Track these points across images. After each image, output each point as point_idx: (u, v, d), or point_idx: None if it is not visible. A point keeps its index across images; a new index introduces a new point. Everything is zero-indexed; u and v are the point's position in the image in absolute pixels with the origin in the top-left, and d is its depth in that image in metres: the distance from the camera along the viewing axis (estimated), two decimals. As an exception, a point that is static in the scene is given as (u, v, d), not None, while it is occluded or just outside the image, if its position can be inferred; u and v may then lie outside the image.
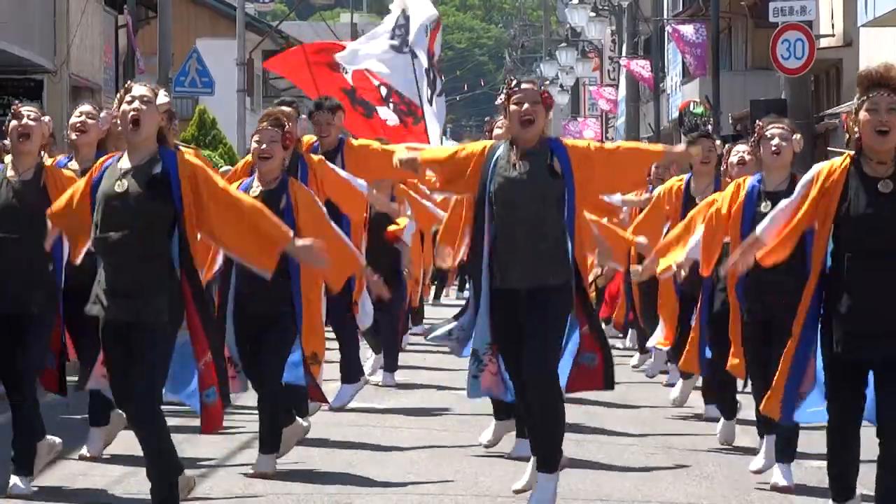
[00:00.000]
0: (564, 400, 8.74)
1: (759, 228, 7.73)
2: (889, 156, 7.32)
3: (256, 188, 9.72)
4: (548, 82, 66.14)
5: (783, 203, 7.63)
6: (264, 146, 9.78)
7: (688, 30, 35.13)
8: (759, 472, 9.98)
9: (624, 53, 45.85)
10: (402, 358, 15.66)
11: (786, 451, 9.42)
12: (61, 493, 9.10)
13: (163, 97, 8.20)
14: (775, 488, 9.41)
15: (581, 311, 8.88)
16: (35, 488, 8.93)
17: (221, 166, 24.04)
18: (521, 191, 8.62)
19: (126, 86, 8.27)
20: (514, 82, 8.87)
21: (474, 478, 9.70)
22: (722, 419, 11.05)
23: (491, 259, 8.72)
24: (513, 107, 8.68)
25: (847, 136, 7.62)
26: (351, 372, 12.67)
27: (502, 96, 8.90)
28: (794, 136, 9.55)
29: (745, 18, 35.91)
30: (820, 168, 7.45)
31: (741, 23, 37.29)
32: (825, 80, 30.48)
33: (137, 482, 8.77)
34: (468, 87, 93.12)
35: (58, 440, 9.36)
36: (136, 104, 8.00)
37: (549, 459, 8.57)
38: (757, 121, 9.91)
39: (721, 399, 11.10)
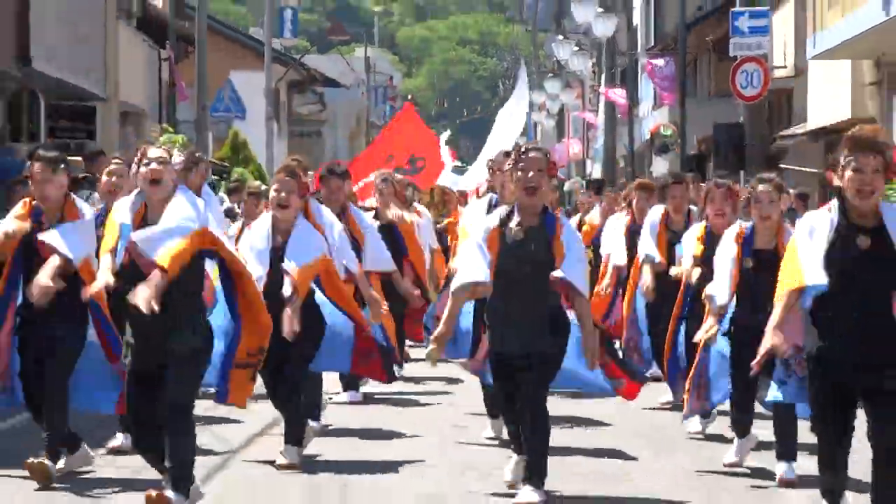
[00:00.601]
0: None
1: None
2: (870, 214, 6.86)
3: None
4: (537, 108, 66.33)
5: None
6: (283, 195, 9.46)
7: (659, 63, 35.32)
8: (732, 465, 9.59)
9: (603, 83, 45.96)
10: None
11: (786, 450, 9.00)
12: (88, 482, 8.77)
13: (177, 156, 8.12)
14: (782, 482, 8.93)
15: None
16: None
17: (247, 179, 24.26)
18: (520, 261, 8.24)
19: (142, 149, 7.89)
20: (523, 149, 8.30)
21: (486, 465, 9.41)
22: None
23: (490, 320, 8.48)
24: (518, 173, 8.20)
25: (826, 187, 7.24)
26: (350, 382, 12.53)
27: (511, 161, 8.33)
28: (783, 195, 9.17)
29: (709, 52, 36.08)
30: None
31: (705, 56, 37.45)
32: (778, 105, 30.61)
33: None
34: (466, 113, 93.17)
35: (90, 452, 9.08)
36: (154, 165, 7.72)
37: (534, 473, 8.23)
38: (750, 184, 9.32)
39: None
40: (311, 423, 9.91)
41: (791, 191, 16.87)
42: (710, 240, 10.16)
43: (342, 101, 53.31)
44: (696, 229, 10.64)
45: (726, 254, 9.15)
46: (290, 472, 9.16)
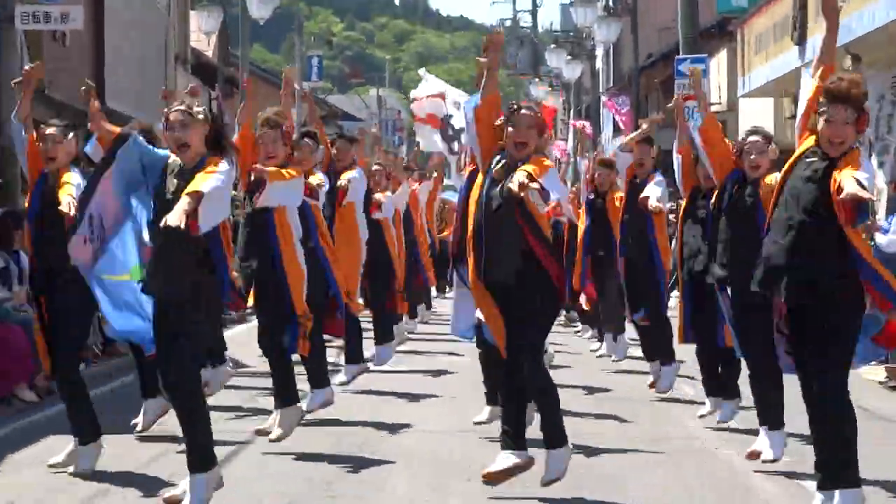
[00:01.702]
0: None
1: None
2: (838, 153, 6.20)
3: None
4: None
5: None
6: (269, 147, 8.39)
7: (617, 100, 35.20)
8: (702, 416, 9.21)
9: (571, 117, 45.95)
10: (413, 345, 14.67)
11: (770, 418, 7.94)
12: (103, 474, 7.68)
13: (196, 108, 6.74)
14: (752, 456, 7.95)
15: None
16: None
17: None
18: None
19: (165, 112, 6.77)
20: (515, 106, 7.35)
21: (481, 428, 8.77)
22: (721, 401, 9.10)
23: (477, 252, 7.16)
24: (509, 129, 7.28)
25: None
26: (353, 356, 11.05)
27: (504, 118, 7.34)
28: (770, 147, 8.16)
29: (658, 91, 36.04)
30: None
31: (654, 94, 37.41)
32: (715, 135, 30.57)
33: (170, 461, 7.71)
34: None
35: (104, 446, 7.85)
36: (177, 131, 6.67)
37: (551, 436, 7.12)
38: (740, 138, 8.31)
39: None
40: (300, 406, 8.70)
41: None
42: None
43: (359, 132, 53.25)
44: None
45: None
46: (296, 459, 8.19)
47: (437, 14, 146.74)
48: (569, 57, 38.18)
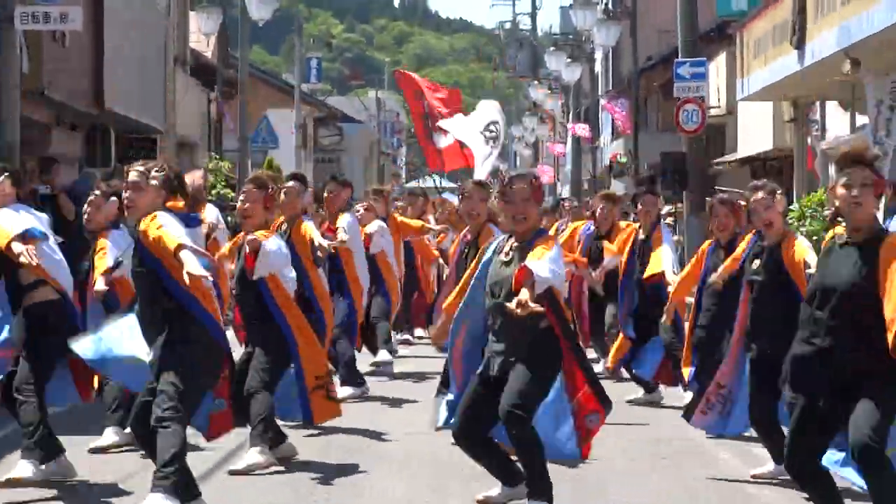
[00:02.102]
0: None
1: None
2: (864, 224, 5.88)
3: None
4: (516, 138, 66.29)
5: None
6: (247, 206, 8.20)
7: (616, 102, 35.22)
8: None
9: (570, 119, 45.95)
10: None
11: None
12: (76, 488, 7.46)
13: (154, 173, 6.67)
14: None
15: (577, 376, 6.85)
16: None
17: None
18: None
19: (126, 169, 6.80)
20: (507, 179, 6.90)
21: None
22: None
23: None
24: (505, 205, 6.85)
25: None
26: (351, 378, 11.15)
27: (497, 192, 6.99)
28: (777, 198, 7.73)
29: (657, 94, 36.07)
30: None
31: (654, 97, 37.44)
32: (713, 138, 30.58)
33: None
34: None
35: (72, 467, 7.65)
36: (128, 193, 6.71)
37: (534, 486, 6.77)
38: (746, 192, 7.89)
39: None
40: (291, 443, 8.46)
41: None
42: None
43: (358, 134, 53.27)
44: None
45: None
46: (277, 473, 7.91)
47: (437, 16, 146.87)
48: (568, 59, 38.21)
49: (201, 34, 30.19)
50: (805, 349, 5.92)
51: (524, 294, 6.35)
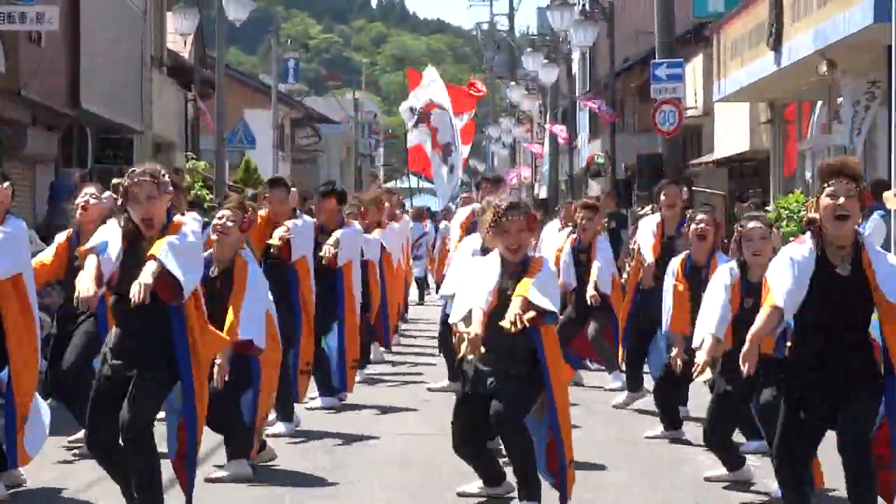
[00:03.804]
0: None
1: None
2: (848, 241, 5.74)
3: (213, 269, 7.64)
4: (493, 139, 66.30)
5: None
6: (228, 225, 7.74)
7: (593, 104, 35.26)
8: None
9: (548, 120, 45.99)
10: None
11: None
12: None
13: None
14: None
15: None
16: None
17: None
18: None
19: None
20: (503, 209, 6.79)
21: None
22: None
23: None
24: (501, 236, 6.82)
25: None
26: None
27: (492, 220, 6.83)
28: (773, 232, 7.45)
29: (634, 96, 36.12)
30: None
31: (631, 99, 37.50)
32: (690, 139, 30.70)
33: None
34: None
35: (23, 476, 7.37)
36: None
37: (526, 487, 6.83)
38: (738, 224, 7.45)
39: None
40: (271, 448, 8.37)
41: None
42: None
43: (335, 135, 53.23)
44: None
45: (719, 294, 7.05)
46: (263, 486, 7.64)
47: (414, 17, 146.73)
48: (545, 60, 38.22)
49: (178, 34, 30.09)
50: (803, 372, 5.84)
51: (515, 306, 6.56)
